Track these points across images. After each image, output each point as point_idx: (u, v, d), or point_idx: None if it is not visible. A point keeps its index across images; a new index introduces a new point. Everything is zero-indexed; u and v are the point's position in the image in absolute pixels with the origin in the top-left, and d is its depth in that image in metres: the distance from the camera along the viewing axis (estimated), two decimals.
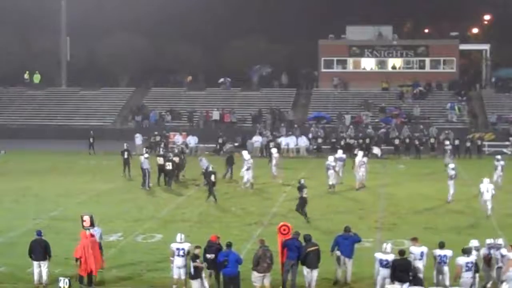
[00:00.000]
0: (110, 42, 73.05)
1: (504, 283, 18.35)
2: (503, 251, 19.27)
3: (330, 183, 35.52)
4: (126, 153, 40.15)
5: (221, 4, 73.56)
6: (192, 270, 19.00)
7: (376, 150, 49.02)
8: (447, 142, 45.08)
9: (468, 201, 32.61)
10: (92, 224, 20.86)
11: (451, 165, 33.48)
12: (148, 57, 72.20)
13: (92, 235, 20.56)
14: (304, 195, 28.77)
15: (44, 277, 20.40)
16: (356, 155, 38.24)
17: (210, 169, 33.37)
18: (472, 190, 33.23)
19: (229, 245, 19.59)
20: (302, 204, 28.81)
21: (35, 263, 20.44)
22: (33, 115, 64.26)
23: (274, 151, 40.26)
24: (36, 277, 20.45)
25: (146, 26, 73.14)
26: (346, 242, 20.77)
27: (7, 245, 25.02)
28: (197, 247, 19.44)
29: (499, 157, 36.03)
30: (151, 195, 34.68)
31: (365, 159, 37.18)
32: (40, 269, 20.42)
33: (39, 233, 20.87)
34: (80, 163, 45.63)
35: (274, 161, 38.94)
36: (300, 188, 29.12)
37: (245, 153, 37.12)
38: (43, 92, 67.69)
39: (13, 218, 29.26)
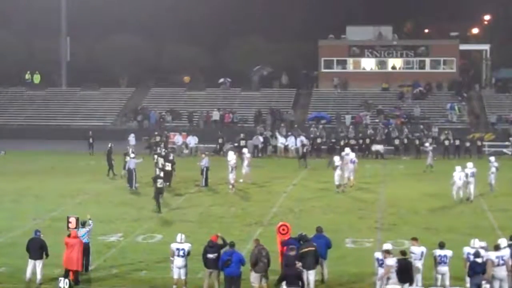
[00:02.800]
0: (110, 42, 73.11)
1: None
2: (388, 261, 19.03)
3: (337, 183, 35.43)
4: (106, 152, 40.52)
5: (221, 4, 73.58)
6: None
7: (378, 147, 48.99)
8: (427, 144, 44.74)
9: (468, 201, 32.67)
10: (77, 226, 21.01)
11: (470, 164, 33.50)
12: (148, 57, 72.24)
13: (75, 236, 20.79)
14: (159, 185, 30.69)
15: (39, 276, 20.49)
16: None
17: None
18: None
19: (232, 245, 19.58)
20: (157, 193, 30.60)
21: (31, 261, 20.61)
22: (33, 115, 64.25)
23: (245, 151, 39.83)
24: (28, 275, 20.57)
25: (146, 26, 73.20)
26: (320, 242, 20.46)
27: (7, 245, 25.03)
28: (293, 248, 19.22)
29: (492, 158, 35.93)
30: (151, 196, 34.57)
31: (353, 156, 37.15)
32: (35, 268, 20.54)
33: (36, 233, 21.13)
34: (80, 164, 45.61)
35: (246, 162, 38.37)
36: (155, 179, 31.17)
37: (230, 154, 36.89)
38: (43, 92, 67.68)
39: (13, 218, 29.27)
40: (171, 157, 37.44)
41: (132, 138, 50.63)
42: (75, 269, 20.44)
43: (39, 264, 20.55)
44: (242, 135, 50.75)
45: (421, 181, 39.13)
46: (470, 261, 18.91)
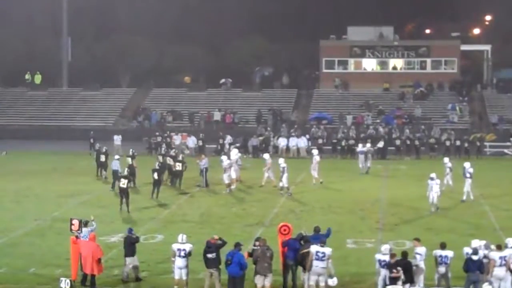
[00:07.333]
0: (111, 43, 73.11)
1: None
2: None
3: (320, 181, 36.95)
4: (95, 153, 40.78)
5: (222, 5, 73.57)
6: (387, 279, 18.63)
7: (379, 144, 49.07)
8: (360, 145, 44.14)
9: (469, 201, 32.63)
10: (80, 229, 20.95)
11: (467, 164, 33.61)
12: (149, 58, 72.23)
13: (78, 238, 20.72)
14: (121, 185, 30.92)
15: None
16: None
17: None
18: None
19: (236, 245, 19.58)
20: (122, 194, 30.95)
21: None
22: (35, 116, 64.27)
23: (236, 151, 40.01)
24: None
25: (147, 26, 73.18)
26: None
27: (7, 245, 25.00)
28: (393, 254, 18.97)
29: (446, 159, 35.84)
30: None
31: (318, 157, 38.00)
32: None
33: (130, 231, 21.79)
34: (81, 164, 45.58)
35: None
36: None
37: (227, 156, 36.91)
38: (44, 92, 67.73)
39: (14, 218, 29.24)
40: (180, 158, 37.46)
41: (117, 139, 50.48)
42: (88, 272, 20.36)
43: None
44: (200, 135, 50.97)
45: (422, 182, 38.86)
46: (466, 258, 19.06)
